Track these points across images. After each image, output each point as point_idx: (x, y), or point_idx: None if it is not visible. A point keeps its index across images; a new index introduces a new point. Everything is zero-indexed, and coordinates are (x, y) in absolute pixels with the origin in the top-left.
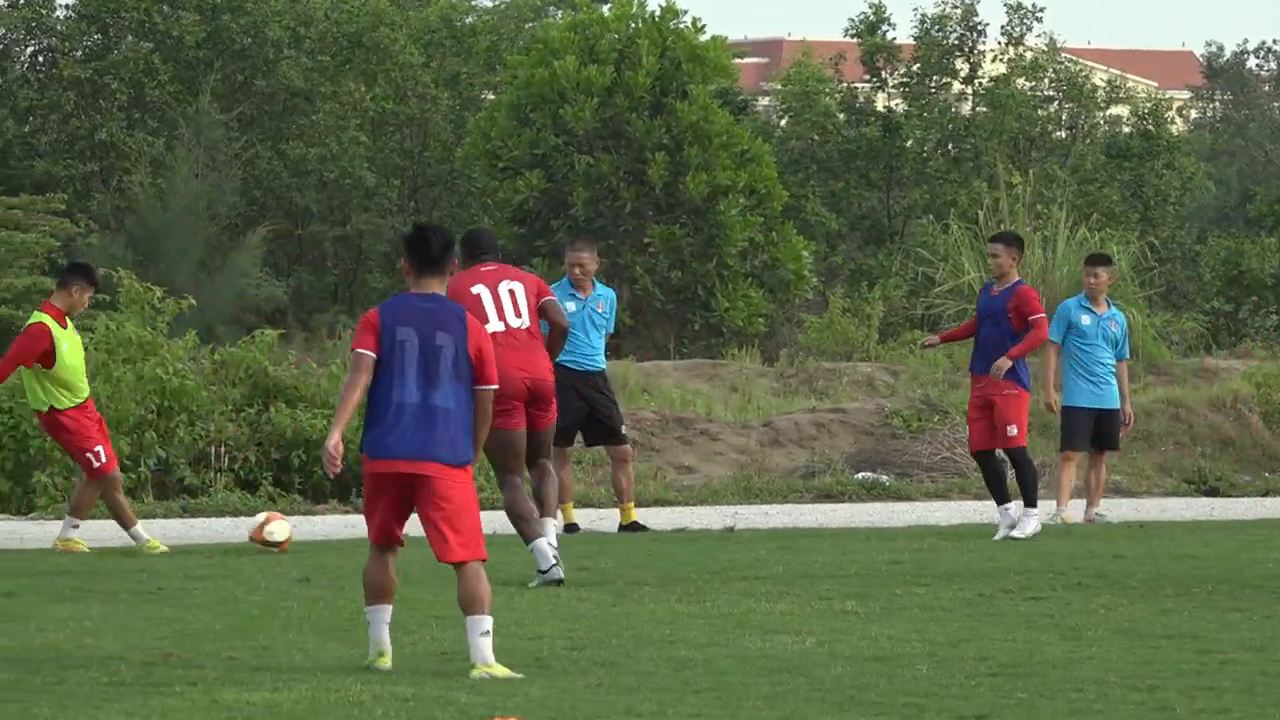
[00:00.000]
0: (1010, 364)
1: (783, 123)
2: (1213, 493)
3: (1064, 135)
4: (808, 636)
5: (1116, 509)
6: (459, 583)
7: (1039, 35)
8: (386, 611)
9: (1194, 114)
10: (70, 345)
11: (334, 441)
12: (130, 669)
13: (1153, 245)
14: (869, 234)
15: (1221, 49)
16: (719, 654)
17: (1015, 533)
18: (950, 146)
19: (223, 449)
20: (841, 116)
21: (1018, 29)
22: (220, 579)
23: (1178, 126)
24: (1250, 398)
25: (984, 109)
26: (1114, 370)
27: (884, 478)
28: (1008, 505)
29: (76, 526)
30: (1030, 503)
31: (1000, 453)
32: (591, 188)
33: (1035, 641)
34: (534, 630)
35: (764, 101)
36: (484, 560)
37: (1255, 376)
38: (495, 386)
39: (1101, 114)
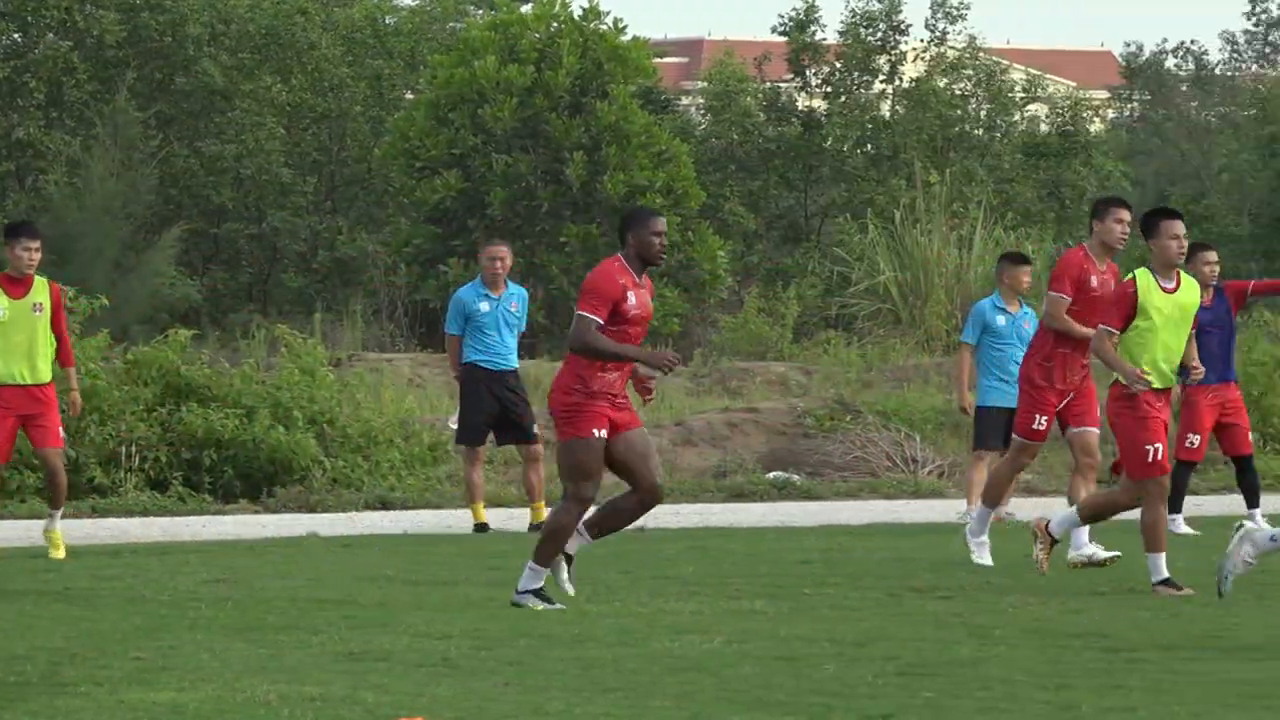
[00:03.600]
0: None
1: (703, 122)
2: None
3: (982, 134)
4: (716, 636)
5: (1026, 507)
6: None
7: (959, 34)
8: None
9: (1111, 114)
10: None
11: None
12: (36, 669)
13: (1068, 244)
14: (786, 233)
15: (1140, 49)
16: (628, 654)
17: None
18: (869, 146)
19: (133, 448)
20: (762, 116)
21: (940, 27)
22: (129, 579)
23: (1096, 126)
24: None
25: (903, 108)
26: None
27: (795, 477)
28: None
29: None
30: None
31: None
32: (509, 187)
33: (943, 640)
34: (442, 630)
35: (685, 101)
36: None
37: None
38: None
39: (1020, 113)
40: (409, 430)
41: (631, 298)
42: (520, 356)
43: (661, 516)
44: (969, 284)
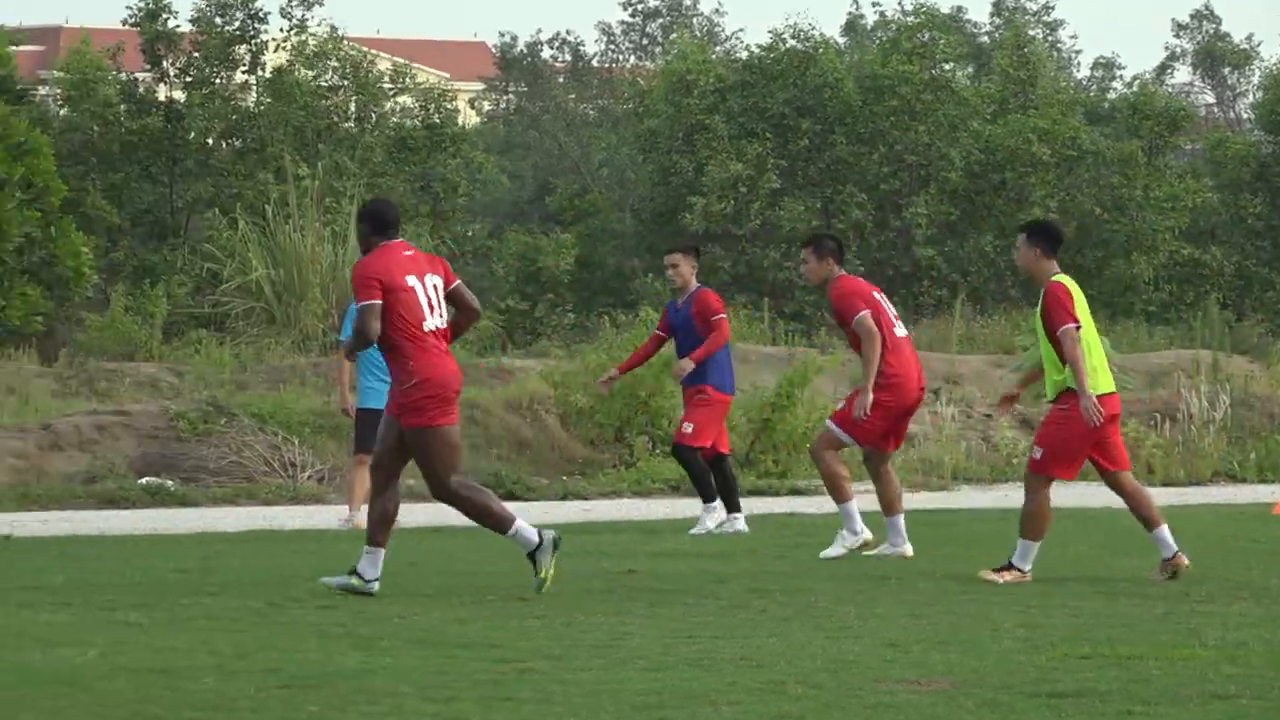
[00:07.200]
0: (692, 366)
1: (62, 112)
2: (510, 497)
3: (352, 126)
4: (90, 648)
5: (412, 514)
6: None
7: (320, 22)
8: None
9: (487, 105)
10: None
11: None
12: None
13: (444, 240)
14: (152, 229)
15: (515, 39)
16: None
17: (693, 530)
18: (235, 138)
19: None
20: (123, 107)
21: (298, 14)
22: None
23: (469, 118)
24: (547, 398)
25: (268, 99)
26: None
27: (169, 483)
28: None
29: None
30: (706, 499)
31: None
32: None
33: (327, 651)
34: None
35: (43, 91)
36: None
37: (552, 376)
38: None
39: (390, 104)
40: None
41: None
42: None
43: (29, 524)
44: (344, 281)
